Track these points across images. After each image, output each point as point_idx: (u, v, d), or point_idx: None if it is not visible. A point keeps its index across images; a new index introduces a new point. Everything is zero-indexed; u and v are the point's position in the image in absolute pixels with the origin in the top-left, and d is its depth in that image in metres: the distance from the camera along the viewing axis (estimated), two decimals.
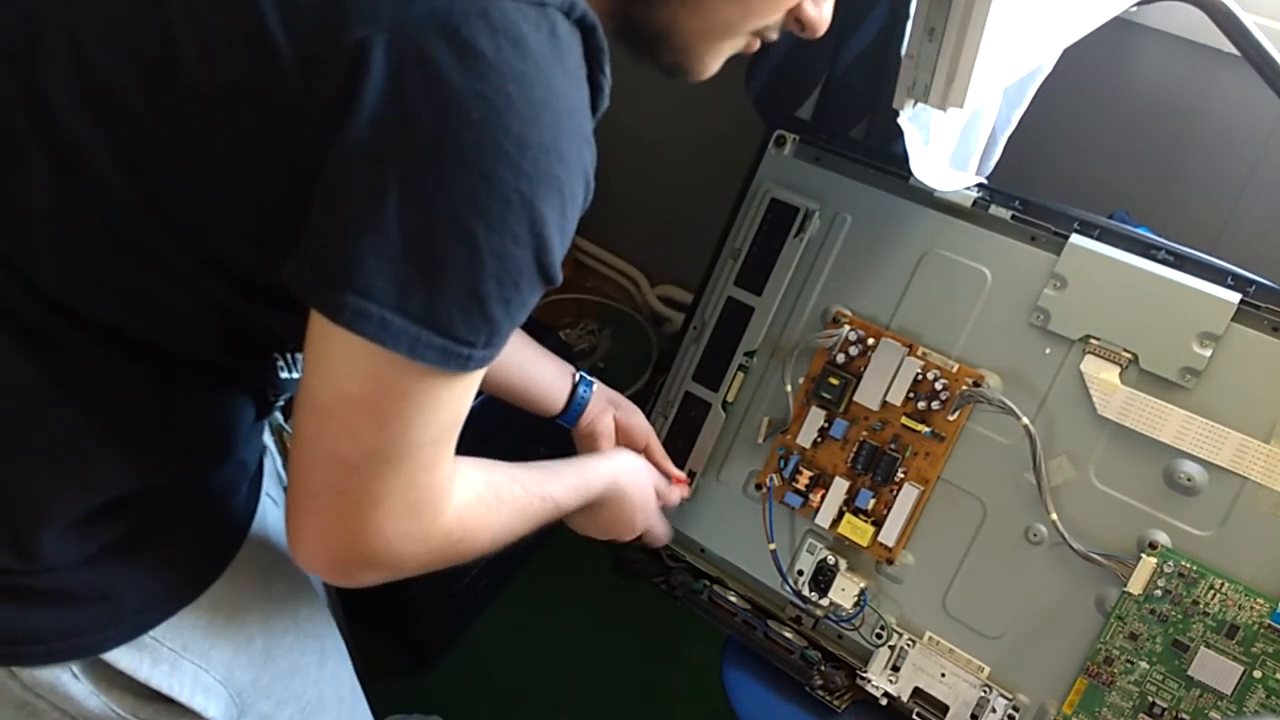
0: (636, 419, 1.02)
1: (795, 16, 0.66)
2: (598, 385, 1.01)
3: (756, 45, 0.68)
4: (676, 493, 1.00)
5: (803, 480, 0.98)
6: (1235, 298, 0.82)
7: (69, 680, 0.65)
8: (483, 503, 0.67)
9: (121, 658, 0.66)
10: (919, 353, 0.94)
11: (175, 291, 0.61)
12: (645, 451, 1.00)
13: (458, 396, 0.59)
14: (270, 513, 0.79)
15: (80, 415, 0.62)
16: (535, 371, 0.97)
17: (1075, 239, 0.88)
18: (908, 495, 0.93)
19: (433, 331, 0.54)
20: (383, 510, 0.59)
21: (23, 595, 0.62)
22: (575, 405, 0.98)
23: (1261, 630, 0.79)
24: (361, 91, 0.51)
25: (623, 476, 0.89)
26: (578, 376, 1.00)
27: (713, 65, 0.68)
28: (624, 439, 1.00)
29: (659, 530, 0.98)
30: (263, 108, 0.54)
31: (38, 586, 0.63)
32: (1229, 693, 0.80)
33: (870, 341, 0.96)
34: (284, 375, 0.73)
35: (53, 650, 0.64)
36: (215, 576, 0.71)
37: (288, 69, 0.53)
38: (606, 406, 1.01)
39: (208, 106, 0.55)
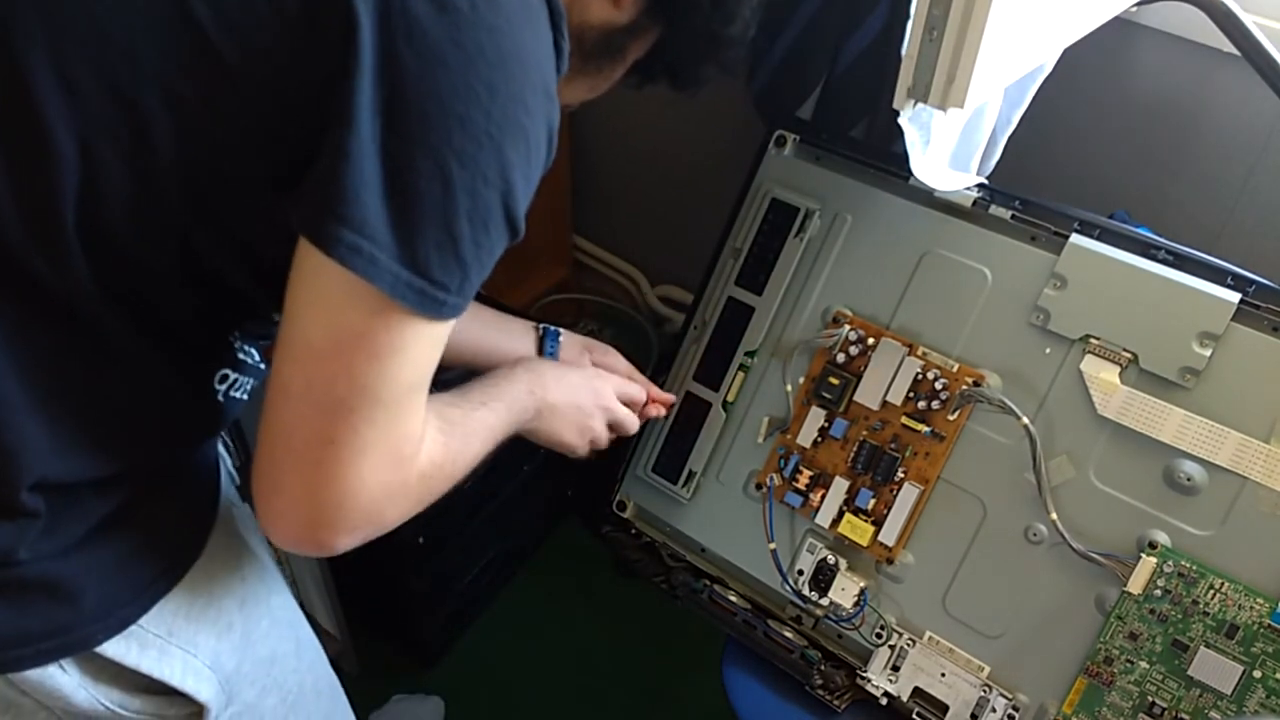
0: (612, 359, 1.03)
1: None
2: (566, 335, 1.02)
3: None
4: (635, 418, 0.97)
5: (803, 480, 0.98)
6: (1235, 298, 0.82)
7: (57, 673, 0.64)
8: (439, 432, 0.69)
9: (109, 647, 0.66)
10: (919, 352, 0.94)
11: (169, 251, 0.62)
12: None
13: (432, 342, 0.62)
14: (232, 498, 0.80)
15: (93, 390, 0.63)
16: (495, 332, 0.98)
17: (1075, 239, 0.88)
18: (908, 495, 0.93)
19: (412, 272, 0.57)
20: (368, 461, 0.60)
21: (13, 592, 0.62)
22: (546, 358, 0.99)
23: (1261, 630, 0.79)
24: (355, 47, 0.55)
25: (546, 379, 0.86)
26: (542, 330, 1.01)
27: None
28: None
29: (627, 425, 0.96)
30: (274, 66, 0.57)
31: (27, 578, 0.62)
32: (1229, 692, 0.80)
33: (870, 341, 0.96)
34: (240, 357, 0.74)
35: (43, 650, 0.63)
36: (193, 560, 0.72)
37: (295, 21, 0.56)
38: (581, 353, 1.02)
39: (232, 67, 0.58)
